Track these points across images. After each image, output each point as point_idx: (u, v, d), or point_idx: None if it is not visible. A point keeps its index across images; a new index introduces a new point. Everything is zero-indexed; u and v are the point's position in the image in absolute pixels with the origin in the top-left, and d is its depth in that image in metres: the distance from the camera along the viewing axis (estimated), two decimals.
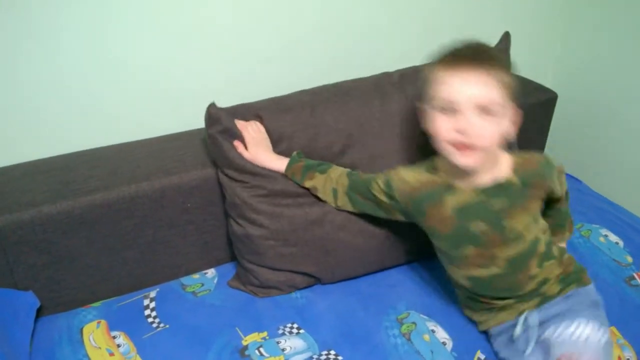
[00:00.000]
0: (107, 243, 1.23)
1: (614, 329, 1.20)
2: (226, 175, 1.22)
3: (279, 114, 1.24)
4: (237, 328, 1.19)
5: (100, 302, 1.28)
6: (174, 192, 1.25)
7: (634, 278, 1.33)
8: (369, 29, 1.59)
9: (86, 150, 1.33)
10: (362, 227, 1.27)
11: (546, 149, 1.84)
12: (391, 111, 1.30)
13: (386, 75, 1.37)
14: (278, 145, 1.24)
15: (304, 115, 1.25)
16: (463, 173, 1.04)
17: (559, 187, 1.17)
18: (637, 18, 1.70)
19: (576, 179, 1.79)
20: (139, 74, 1.34)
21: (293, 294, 1.30)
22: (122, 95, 1.35)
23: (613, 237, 1.46)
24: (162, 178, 1.24)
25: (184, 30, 1.34)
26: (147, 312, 1.24)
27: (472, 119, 0.94)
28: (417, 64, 1.37)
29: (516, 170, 1.07)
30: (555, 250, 1.16)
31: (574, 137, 2.01)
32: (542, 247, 1.11)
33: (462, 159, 0.98)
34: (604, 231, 1.49)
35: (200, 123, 1.22)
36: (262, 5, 1.40)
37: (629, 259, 1.39)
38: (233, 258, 1.37)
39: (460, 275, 1.15)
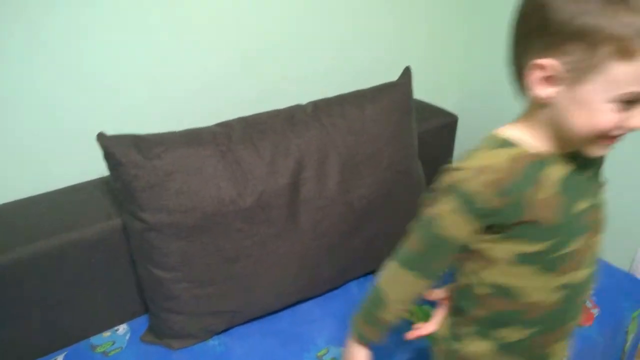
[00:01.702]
0: (7, 309, 1.15)
1: None
2: (130, 214, 1.16)
3: (189, 147, 1.18)
4: None
5: None
6: (77, 249, 1.18)
7: None
8: (277, 63, 1.60)
9: None
10: (277, 260, 1.26)
11: None
12: (309, 141, 1.29)
13: (299, 107, 1.37)
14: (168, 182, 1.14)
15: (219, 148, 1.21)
16: (553, 143, 0.78)
17: None
18: None
19: None
20: (29, 121, 1.26)
21: (210, 342, 1.26)
22: (12, 146, 1.26)
23: None
24: (63, 234, 1.16)
25: (90, 71, 1.29)
26: None
27: None
28: (327, 95, 1.41)
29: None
30: None
31: None
32: None
33: (601, 151, 0.76)
34: None
35: (105, 170, 1.17)
36: (168, 47, 1.38)
37: None
38: (146, 310, 1.30)
39: (548, 288, 0.84)
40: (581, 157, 0.79)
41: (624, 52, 0.63)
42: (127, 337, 1.27)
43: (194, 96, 1.47)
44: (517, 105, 1.91)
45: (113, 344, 1.25)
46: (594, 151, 0.75)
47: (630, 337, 1.46)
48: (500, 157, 0.77)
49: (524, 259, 0.81)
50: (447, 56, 2.02)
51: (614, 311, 1.38)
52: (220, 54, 1.47)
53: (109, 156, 1.11)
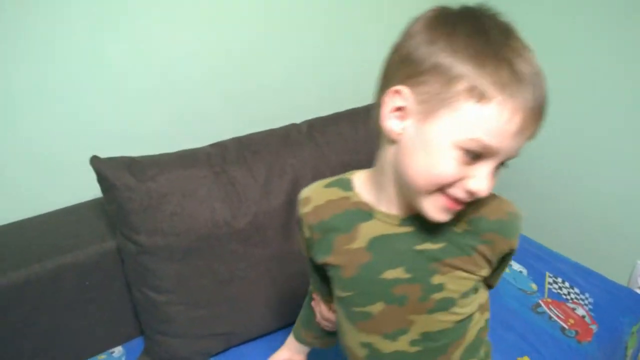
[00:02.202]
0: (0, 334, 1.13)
1: (526, 358, 1.24)
2: (124, 237, 1.15)
3: (183, 168, 1.18)
4: None
5: None
6: (70, 272, 1.17)
7: (539, 305, 1.39)
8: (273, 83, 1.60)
9: None
10: (273, 281, 1.25)
11: None
12: (304, 160, 1.29)
13: (294, 126, 1.37)
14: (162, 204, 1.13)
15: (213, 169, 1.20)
16: (392, 196, 0.73)
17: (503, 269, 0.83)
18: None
19: None
20: (20, 144, 1.25)
21: None
22: (3, 169, 1.25)
23: (517, 266, 1.52)
24: (56, 257, 1.15)
25: (69, 92, 1.28)
26: None
27: (491, 177, 0.64)
28: (322, 114, 1.41)
29: (475, 210, 0.72)
30: (484, 348, 0.87)
31: None
32: (472, 334, 0.80)
33: (442, 217, 0.67)
34: None
35: (99, 192, 1.16)
36: (161, 68, 1.37)
37: (534, 287, 1.45)
38: (142, 332, 1.29)
39: (355, 340, 0.82)
40: (419, 227, 0.72)
41: (479, 95, 0.58)
42: None
43: (188, 117, 1.46)
44: None
45: None
46: (431, 212, 0.66)
47: (630, 352, 1.45)
48: (328, 195, 0.79)
49: (337, 301, 0.84)
50: None
51: (613, 326, 1.37)
52: (214, 73, 1.47)
53: (102, 179, 1.11)
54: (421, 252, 0.73)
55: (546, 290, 1.44)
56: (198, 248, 1.15)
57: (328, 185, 0.80)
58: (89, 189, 1.27)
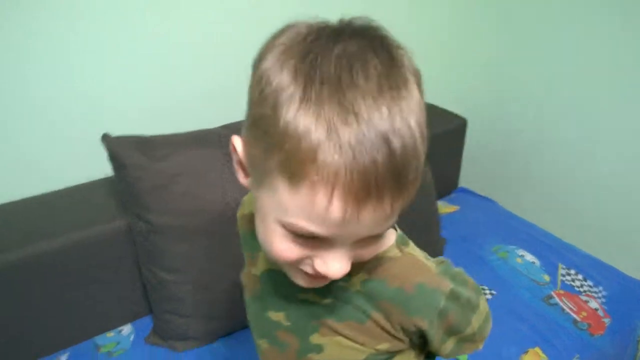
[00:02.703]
0: (10, 309, 1.14)
1: (538, 349, 1.23)
2: (135, 216, 1.15)
3: (194, 149, 1.17)
4: None
5: None
6: (81, 249, 1.17)
7: (552, 297, 1.37)
8: None
9: None
10: None
11: (461, 173, 1.89)
12: None
13: None
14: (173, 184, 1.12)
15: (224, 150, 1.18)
16: None
17: (439, 345, 0.65)
18: (543, 42, 1.79)
19: (491, 200, 1.83)
20: (35, 121, 1.25)
21: (215, 344, 1.25)
22: (17, 146, 1.25)
23: (529, 257, 1.50)
24: (67, 234, 1.15)
25: (82, 71, 1.27)
26: None
27: (344, 259, 0.50)
28: None
29: (372, 270, 0.60)
30: None
31: (487, 159, 2.08)
32: None
33: (304, 284, 0.55)
34: (520, 251, 1.52)
35: (110, 170, 1.15)
36: (175, 48, 1.36)
37: (546, 278, 1.43)
38: (150, 311, 1.30)
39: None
40: None
41: (290, 174, 0.44)
42: (131, 338, 1.26)
43: (201, 97, 1.45)
44: (526, 110, 1.89)
45: (117, 345, 1.24)
46: (294, 278, 0.55)
47: None
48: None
49: None
50: (457, 60, 2.00)
51: (626, 320, 1.36)
52: (228, 54, 1.46)
53: (113, 158, 1.10)
54: (304, 302, 0.63)
55: (559, 282, 1.42)
56: (208, 229, 1.15)
57: None
58: (101, 168, 1.26)
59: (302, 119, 0.42)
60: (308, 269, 0.52)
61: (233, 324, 1.26)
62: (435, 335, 0.62)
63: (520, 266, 1.47)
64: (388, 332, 0.62)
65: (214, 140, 1.18)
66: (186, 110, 1.43)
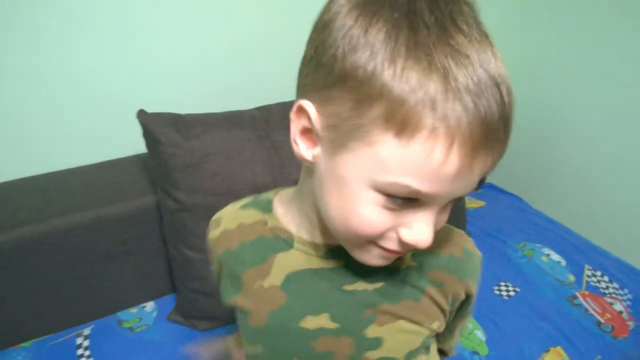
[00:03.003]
0: (38, 279, 1.15)
1: (559, 348, 1.21)
2: (165, 193, 1.15)
3: (227, 129, 1.16)
4: None
5: (31, 341, 1.18)
6: (110, 223, 1.18)
7: (576, 297, 1.35)
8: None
9: (16, 180, 1.24)
10: None
11: None
12: None
13: None
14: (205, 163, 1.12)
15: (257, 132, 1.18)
16: (316, 222, 0.57)
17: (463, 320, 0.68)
18: (566, 38, 1.76)
19: (518, 197, 1.82)
20: (73, 96, 1.26)
21: (234, 325, 1.25)
22: (55, 119, 1.26)
23: (555, 257, 1.49)
24: (97, 209, 1.17)
25: (121, 49, 1.28)
26: (79, 351, 1.16)
27: (432, 224, 0.47)
28: None
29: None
30: None
31: (514, 154, 2.05)
32: None
33: (379, 262, 0.51)
34: (546, 250, 1.51)
35: (143, 147, 1.16)
36: (214, 28, 1.36)
37: (571, 278, 1.42)
38: (174, 289, 1.31)
39: None
40: (350, 260, 0.54)
41: (400, 125, 0.41)
42: (154, 315, 1.27)
43: (236, 78, 1.45)
44: (557, 107, 1.84)
45: (140, 321, 1.25)
46: (365, 258, 0.51)
47: None
48: (242, 218, 0.63)
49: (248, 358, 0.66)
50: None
51: None
52: (265, 37, 1.45)
53: (147, 134, 1.11)
54: (352, 293, 0.57)
55: (584, 282, 1.40)
56: None
57: (245, 206, 0.64)
58: (134, 145, 1.27)
59: (413, 65, 0.40)
60: (389, 244, 0.48)
61: None
62: (471, 304, 0.64)
63: (546, 265, 1.45)
64: (440, 307, 0.60)
65: (247, 122, 1.18)
66: (221, 93, 1.43)
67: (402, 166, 0.42)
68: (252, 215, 0.63)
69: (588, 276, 1.43)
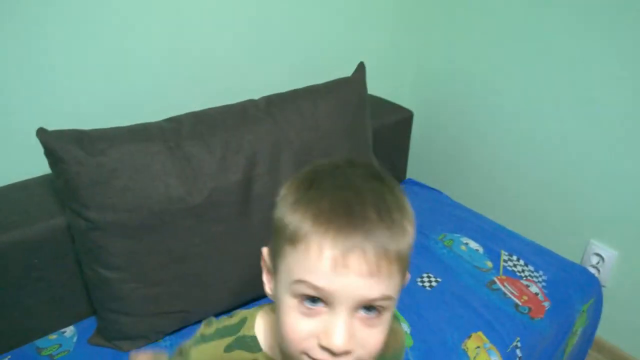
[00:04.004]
0: None
1: (480, 334, 1.26)
2: (74, 213, 1.11)
3: (135, 142, 1.13)
4: None
5: None
6: (17, 249, 1.13)
7: (494, 282, 1.41)
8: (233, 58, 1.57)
9: None
10: (229, 258, 1.24)
11: (408, 163, 1.92)
12: (262, 137, 1.26)
13: (252, 102, 1.34)
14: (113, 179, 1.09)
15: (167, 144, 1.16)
16: None
17: None
18: (486, 38, 1.84)
19: (438, 191, 1.87)
20: None
21: (161, 342, 1.23)
22: None
23: (473, 245, 1.54)
24: (3, 235, 1.11)
25: (16, 63, 1.23)
26: None
27: (344, 328, 0.54)
28: (280, 90, 1.38)
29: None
30: None
31: (434, 150, 2.12)
32: None
33: None
34: (465, 239, 1.56)
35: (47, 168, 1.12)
36: (115, 42, 1.33)
37: (489, 264, 1.47)
38: (94, 312, 1.26)
39: None
40: None
41: (292, 235, 0.54)
42: (75, 340, 1.23)
43: (142, 91, 1.43)
44: (473, 102, 1.94)
45: (60, 347, 1.20)
46: None
47: (579, 330, 1.49)
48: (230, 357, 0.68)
49: None
50: (402, 52, 2.03)
51: (565, 304, 1.41)
52: (169, 49, 1.44)
53: (49, 152, 1.06)
54: None
55: (501, 267, 1.46)
56: (151, 224, 1.12)
57: (228, 349, 0.67)
58: (37, 165, 1.22)
59: (312, 199, 0.55)
60: (316, 353, 0.55)
61: (180, 320, 1.25)
62: None
63: (465, 253, 1.50)
64: None
65: (156, 134, 1.16)
66: (126, 104, 1.40)
67: (297, 266, 0.54)
68: (241, 357, 0.67)
69: (505, 261, 1.49)
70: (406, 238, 0.56)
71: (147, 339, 1.22)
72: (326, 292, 0.53)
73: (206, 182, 1.17)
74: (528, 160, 1.84)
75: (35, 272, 1.17)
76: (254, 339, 0.68)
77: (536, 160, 1.81)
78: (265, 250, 0.64)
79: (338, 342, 0.53)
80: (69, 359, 1.17)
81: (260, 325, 0.69)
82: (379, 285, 0.53)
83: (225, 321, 0.71)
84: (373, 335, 0.56)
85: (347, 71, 1.47)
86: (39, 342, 1.22)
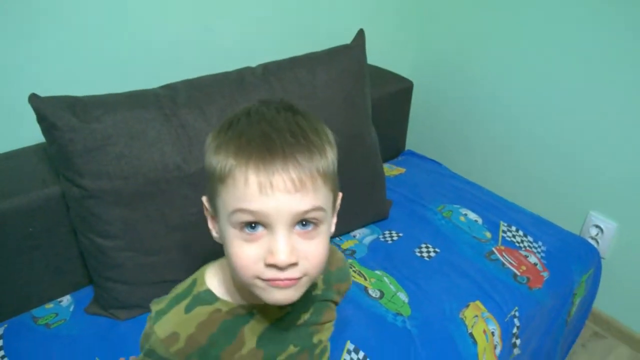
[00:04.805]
0: None
1: (478, 303, 1.26)
2: (68, 181, 1.10)
3: (130, 109, 1.11)
4: (97, 358, 1.09)
5: None
6: (12, 218, 1.12)
7: (493, 253, 1.40)
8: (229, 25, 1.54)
9: None
10: None
11: (407, 134, 1.91)
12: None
13: (249, 69, 1.32)
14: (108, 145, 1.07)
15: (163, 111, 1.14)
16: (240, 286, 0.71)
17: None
18: (489, 12, 1.80)
19: (437, 162, 1.86)
20: None
21: None
22: None
23: (472, 216, 1.53)
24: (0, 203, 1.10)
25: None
26: None
27: (285, 242, 0.59)
28: (278, 58, 1.35)
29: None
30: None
31: (433, 122, 2.10)
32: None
33: (280, 295, 0.62)
34: (464, 210, 1.55)
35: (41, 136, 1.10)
36: (112, 4, 1.29)
37: (488, 235, 1.46)
38: (90, 281, 1.26)
39: None
40: (294, 305, 0.73)
41: (221, 173, 0.60)
42: (71, 309, 1.23)
43: (137, 57, 1.40)
44: (473, 73, 1.91)
45: (56, 316, 1.20)
46: (266, 296, 0.62)
47: (578, 301, 1.49)
48: (196, 319, 0.70)
49: None
50: (402, 21, 1.99)
51: (564, 274, 1.40)
52: (167, 13, 1.40)
53: (42, 119, 1.04)
54: (302, 324, 0.78)
55: (500, 238, 1.46)
56: (147, 192, 1.11)
57: (189, 308, 0.70)
58: (31, 133, 1.21)
59: (232, 139, 0.60)
60: (266, 273, 0.60)
61: None
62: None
63: (463, 224, 1.49)
64: (337, 303, 0.85)
65: (151, 101, 1.14)
66: (121, 70, 1.37)
67: (229, 199, 0.59)
68: (203, 312, 0.71)
69: (504, 231, 1.48)
70: (325, 155, 0.61)
71: (143, 307, 1.21)
72: (260, 214, 0.58)
73: (202, 150, 1.15)
74: (527, 131, 1.82)
75: (31, 241, 1.17)
76: (208, 292, 0.71)
77: (536, 131, 1.79)
78: (204, 199, 0.69)
79: (282, 256, 0.58)
80: (65, 328, 1.17)
81: (211, 278, 0.73)
82: (306, 198, 0.59)
83: (174, 291, 0.74)
84: (313, 246, 0.62)
85: (347, 39, 1.44)
86: (35, 312, 1.22)
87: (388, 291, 1.27)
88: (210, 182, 0.63)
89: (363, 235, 1.46)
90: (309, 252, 0.61)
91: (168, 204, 1.14)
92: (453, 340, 1.17)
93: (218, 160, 0.60)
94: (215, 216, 0.66)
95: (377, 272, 1.32)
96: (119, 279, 1.17)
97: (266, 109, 0.63)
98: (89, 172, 1.07)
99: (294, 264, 0.60)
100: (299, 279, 0.61)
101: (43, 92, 1.06)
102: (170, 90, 1.19)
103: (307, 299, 0.76)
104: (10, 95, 1.23)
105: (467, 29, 1.88)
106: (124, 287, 1.18)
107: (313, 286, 0.75)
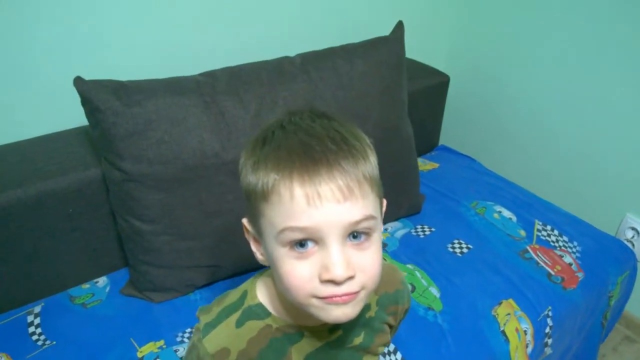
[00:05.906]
0: None
1: (511, 301, 1.24)
2: (109, 164, 1.12)
3: (171, 95, 1.12)
4: (131, 339, 1.11)
5: None
6: (53, 198, 1.15)
7: (527, 251, 1.38)
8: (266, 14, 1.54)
9: None
10: None
11: (442, 130, 1.89)
12: (297, 94, 1.24)
13: (287, 59, 1.32)
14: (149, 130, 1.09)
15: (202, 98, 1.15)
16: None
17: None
18: (529, 2, 1.77)
19: (471, 158, 1.84)
20: (7, 64, 1.20)
21: (192, 295, 1.24)
22: None
23: (507, 213, 1.51)
24: (37, 184, 1.13)
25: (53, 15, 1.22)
26: (31, 329, 1.13)
27: (341, 257, 0.56)
28: (316, 48, 1.35)
29: (377, 289, 0.72)
30: None
31: (468, 117, 2.08)
32: None
33: (338, 312, 0.59)
34: (498, 208, 1.53)
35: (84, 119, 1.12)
36: None
37: (522, 233, 1.45)
38: (126, 263, 1.28)
39: None
40: (345, 327, 0.72)
41: (264, 190, 0.57)
42: (107, 290, 1.25)
43: (178, 44, 1.41)
44: (509, 68, 1.88)
45: (92, 296, 1.23)
46: (323, 315, 0.59)
47: (613, 302, 1.46)
48: (247, 334, 0.68)
49: None
50: (440, 15, 1.97)
51: (599, 275, 1.38)
52: (208, 2, 1.41)
53: (86, 102, 1.06)
54: (352, 348, 0.75)
55: (534, 237, 1.44)
56: (185, 178, 1.12)
57: (240, 323, 0.69)
58: (74, 116, 1.23)
59: (269, 155, 0.58)
60: (322, 291, 0.57)
61: (211, 275, 1.25)
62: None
63: (497, 221, 1.48)
64: (392, 326, 0.82)
65: (191, 87, 1.15)
66: (163, 57, 1.39)
67: (276, 217, 0.56)
68: (254, 327, 0.69)
69: (538, 230, 1.46)
70: (368, 159, 0.59)
71: (177, 291, 1.23)
72: (311, 229, 0.55)
73: (240, 138, 1.16)
74: (564, 130, 1.78)
75: (70, 222, 1.19)
76: (260, 306, 0.69)
77: (573, 130, 1.75)
78: (245, 221, 0.66)
79: (338, 271, 0.55)
80: (101, 308, 1.20)
81: (262, 292, 0.70)
82: (356, 206, 0.56)
83: (224, 302, 0.72)
84: (368, 257, 0.59)
85: (384, 31, 1.43)
86: (72, 291, 1.24)
87: (419, 285, 1.26)
88: (251, 202, 0.60)
89: (395, 229, 1.46)
90: (364, 264, 0.58)
91: (205, 191, 1.15)
92: (485, 337, 1.16)
93: (258, 178, 0.57)
94: (258, 237, 0.63)
95: (409, 265, 1.31)
96: (155, 262, 1.19)
97: (299, 119, 0.60)
98: (129, 156, 1.09)
99: (351, 277, 0.57)
100: (356, 292, 0.58)
101: (86, 76, 1.08)
102: (210, 78, 1.20)
103: (359, 322, 0.73)
104: (53, 78, 1.25)
105: (505, 23, 1.85)
106: (159, 270, 1.20)
107: (366, 308, 0.72)
